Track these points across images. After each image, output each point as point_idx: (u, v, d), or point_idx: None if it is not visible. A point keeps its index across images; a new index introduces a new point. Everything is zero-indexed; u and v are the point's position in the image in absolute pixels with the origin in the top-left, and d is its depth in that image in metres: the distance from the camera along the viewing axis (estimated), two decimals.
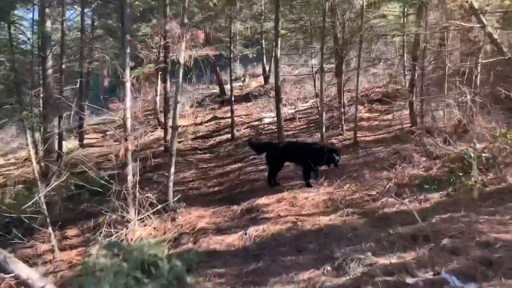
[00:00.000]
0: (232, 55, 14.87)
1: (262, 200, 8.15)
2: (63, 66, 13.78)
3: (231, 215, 7.87)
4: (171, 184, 8.47)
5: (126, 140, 7.84)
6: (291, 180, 9.20)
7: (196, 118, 17.03)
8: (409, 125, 11.58)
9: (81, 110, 18.58)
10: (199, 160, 12.54)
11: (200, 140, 14.53)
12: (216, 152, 12.97)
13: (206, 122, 16.35)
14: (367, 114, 13.57)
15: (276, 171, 9.09)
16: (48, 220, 7.64)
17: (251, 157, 11.63)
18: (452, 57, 11.39)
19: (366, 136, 11.48)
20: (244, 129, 14.72)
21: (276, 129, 13.55)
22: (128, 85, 7.86)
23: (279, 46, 11.68)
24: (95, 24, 20.11)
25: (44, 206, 7.64)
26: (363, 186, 8.20)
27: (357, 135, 11.24)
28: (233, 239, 6.81)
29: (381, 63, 15.70)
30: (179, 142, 14.40)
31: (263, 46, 19.30)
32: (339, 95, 13.40)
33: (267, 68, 19.62)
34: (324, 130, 10.64)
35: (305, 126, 13.95)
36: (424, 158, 8.82)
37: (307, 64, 16.86)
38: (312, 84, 15.58)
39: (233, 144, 13.29)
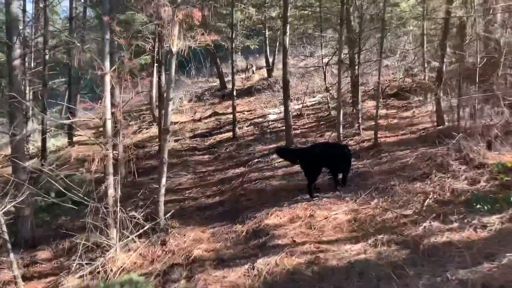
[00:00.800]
0: (234, 45, 13.11)
1: (272, 219, 6.51)
2: (47, 57, 12.11)
3: (235, 239, 6.23)
4: (162, 198, 6.83)
5: (105, 146, 6.19)
6: (305, 191, 7.55)
7: (194, 113, 15.35)
8: (435, 124, 9.94)
9: (72, 105, 16.97)
10: (197, 162, 10.89)
11: (198, 138, 12.87)
12: (216, 153, 11.31)
13: (206, 118, 14.67)
14: (384, 111, 11.87)
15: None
16: (9, 246, 5.98)
17: (256, 160, 10.01)
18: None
19: (386, 136, 9.81)
20: (246, 126, 13.05)
21: (283, 127, 11.91)
22: (107, 79, 6.18)
23: (287, 33, 9.99)
24: (87, 13, 18.44)
25: (4, 228, 5.99)
26: (394, 202, 6.55)
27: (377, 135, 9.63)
28: (237, 276, 5.18)
29: (397, 55, 13.97)
30: (176, 140, 12.78)
31: (266, 36, 17.59)
32: (354, 90, 11.73)
33: (270, 60, 17.89)
34: (341, 129, 8.93)
35: (314, 123, 12.28)
36: (464, 167, 7.17)
37: (316, 55, 15.14)
38: (321, 77, 13.94)
39: (235, 144, 11.63)
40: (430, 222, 5.63)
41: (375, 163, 8.40)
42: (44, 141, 12.38)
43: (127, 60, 6.03)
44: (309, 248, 5.50)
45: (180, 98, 16.56)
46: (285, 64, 10.03)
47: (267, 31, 17.48)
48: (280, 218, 6.52)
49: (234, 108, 12.36)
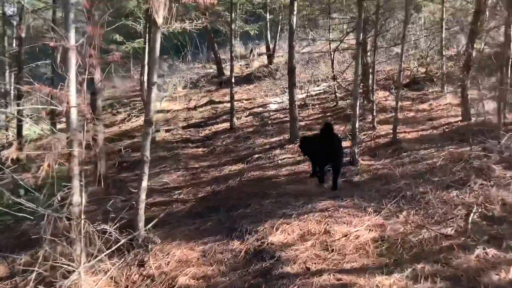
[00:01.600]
0: (233, 27, 11.56)
1: (277, 235, 5.09)
2: (23, 34, 10.57)
3: (231, 261, 4.79)
4: (141, 205, 5.37)
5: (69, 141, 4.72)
6: (317, 197, 6.14)
7: (189, 101, 13.83)
8: (460, 119, 8.56)
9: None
10: (189, 156, 9.43)
11: (192, 129, 11.38)
12: (212, 146, 9.84)
13: (201, 106, 13.17)
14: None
15: None
16: None
17: (256, 156, 8.58)
18: None
19: (405, 132, 8.42)
20: (245, 116, 11.57)
21: (285, 118, 10.50)
22: (72, 55, 4.68)
23: (295, 12, 8.53)
24: None
25: None
26: (428, 216, 5.16)
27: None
28: None
29: (410, 42, 12.47)
30: (167, 131, 11.31)
31: (267, 19, 16.02)
32: (366, 78, 10.29)
33: (271, 45, 16.34)
34: (357, 122, 7.44)
35: (320, 115, 10.84)
36: (510, 172, 5.79)
37: (320, 40, 13.60)
38: (327, 63, 12.52)
39: (233, 136, 10.17)
40: (484, 248, 4.24)
41: (396, 164, 7.00)
42: (19, 128, 10.91)
43: (91, 27, 4.48)
44: (329, 280, 4.10)
45: (174, 84, 15.06)
46: (291, 47, 8.57)
47: (268, 14, 15.93)
48: (288, 233, 5.10)
49: (232, 96, 10.89)
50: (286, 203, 5.98)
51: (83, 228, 4.71)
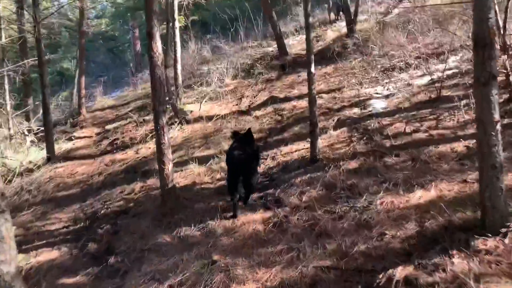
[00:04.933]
0: None
1: None
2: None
3: None
4: None
5: None
6: None
7: (240, 99, 8.34)
8: None
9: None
10: (235, 238, 4.01)
11: None
12: (280, 212, 4.28)
13: (258, 108, 7.63)
14: None
15: None
16: None
17: (394, 271, 2.92)
18: None
19: None
20: (333, 129, 5.87)
21: (417, 135, 4.81)
22: None
23: None
24: None
25: None
26: None
27: None
28: None
29: None
30: (204, 160, 5.96)
31: None
32: None
33: (351, 9, 10.24)
34: None
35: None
36: None
37: None
38: (461, 22, 6.45)
39: (319, 183, 4.49)
40: None
41: None
42: None
43: None
44: None
45: (219, 74, 9.59)
46: None
47: None
48: None
49: (312, 99, 5.20)
50: None
51: None
